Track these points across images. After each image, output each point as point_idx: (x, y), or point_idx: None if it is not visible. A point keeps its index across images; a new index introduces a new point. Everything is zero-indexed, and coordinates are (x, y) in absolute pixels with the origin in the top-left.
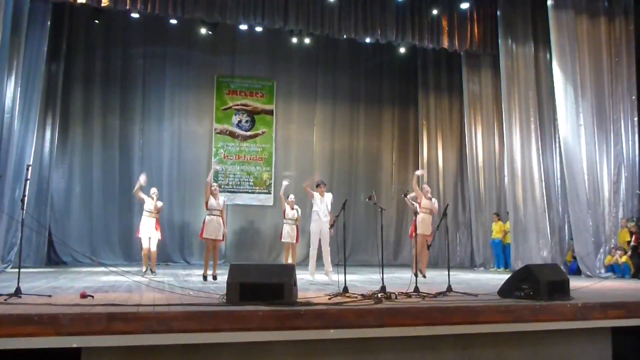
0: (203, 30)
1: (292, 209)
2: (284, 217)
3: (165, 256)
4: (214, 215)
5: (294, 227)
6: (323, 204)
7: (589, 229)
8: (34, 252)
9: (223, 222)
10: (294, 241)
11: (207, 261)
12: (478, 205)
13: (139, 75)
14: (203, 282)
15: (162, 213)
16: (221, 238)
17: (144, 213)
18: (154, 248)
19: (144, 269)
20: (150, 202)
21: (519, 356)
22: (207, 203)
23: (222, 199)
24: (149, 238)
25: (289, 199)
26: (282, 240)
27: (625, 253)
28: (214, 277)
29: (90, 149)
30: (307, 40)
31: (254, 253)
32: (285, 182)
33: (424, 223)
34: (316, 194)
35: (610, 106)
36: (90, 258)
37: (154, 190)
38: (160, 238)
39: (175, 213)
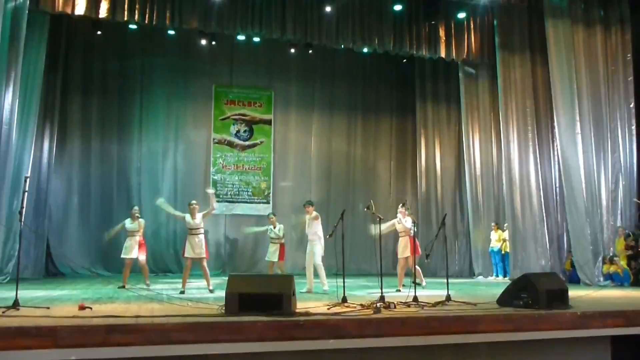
0: (201, 41)
1: (275, 227)
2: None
3: (163, 267)
4: (193, 234)
5: (277, 245)
6: (308, 225)
7: (587, 237)
8: (32, 263)
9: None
10: (276, 259)
11: (184, 278)
12: (476, 214)
13: (136, 85)
14: (201, 294)
15: (145, 230)
16: (204, 256)
17: (127, 233)
18: (142, 259)
19: (123, 284)
20: (130, 222)
21: None
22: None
23: (199, 216)
24: (132, 259)
25: (270, 217)
26: (266, 259)
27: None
28: (210, 291)
29: (88, 159)
30: (304, 50)
31: (252, 263)
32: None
33: (405, 246)
34: (307, 216)
35: (607, 114)
36: (89, 269)
37: (136, 208)
38: (145, 257)
39: (172, 223)
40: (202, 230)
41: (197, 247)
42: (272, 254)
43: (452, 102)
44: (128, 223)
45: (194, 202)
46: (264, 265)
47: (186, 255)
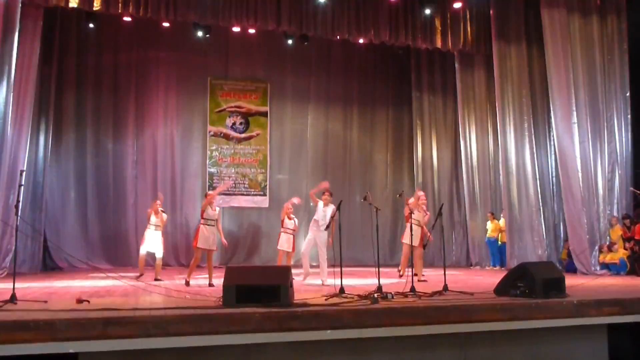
0: (196, 33)
1: (290, 218)
2: (282, 226)
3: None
4: (209, 225)
5: (291, 236)
6: (324, 213)
7: (583, 226)
8: (29, 257)
9: (220, 232)
10: (290, 250)
11: (192, 269)
12: (473, 204)
13: (131, 78)
14: (198, 286)
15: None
16: (215, 248)
17: (150, 226)
18: (159, 256)
19: (139, 274)
20: (155, 217)
21: (515, 354)
22: (203, 212)
23: (218, 208)
24: (147, 251)
25: (288, 208)
26: (279, 247)
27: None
28: (210, 285)
29: (84, 153)
30: (300, 42)
31: (250, 255)
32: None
33: (415, 235)
34: (320, 203)
35: (603, 104)
36: (86, 263)
37: (158, 202)
38: (163, 253)
39: (169, 216)
40: (214, 222)
41: (210, 239)
42: (287, 243)
43: (449, 92)
44: (153, 217)
45: (211, 192)
46: (261, 256)
47: (199, 245)
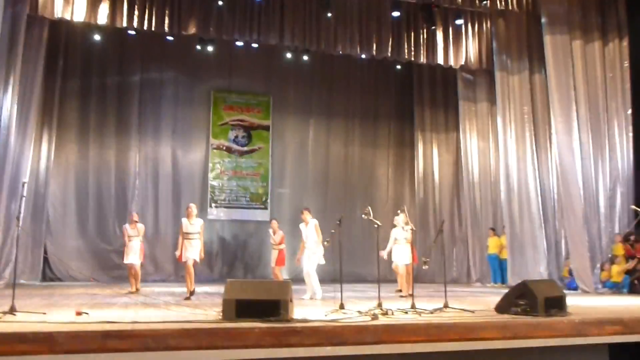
0: (199, 47)
1: (275, 233)
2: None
3: (160, 272)
4: (189, 238)
5: (276, 251)
6: (305, 232)
7: (585, 243)
8: (29, 268)
9: (201, 244)
10: (273, 264)
11: (187, 282)
12: (474, 220)
13: (135, 91)
14: (198, 300)
15: (146, 235)
16: (196, 259)
17: (127, 238)
18: (137, 264)
19: (131, 289)
20: (132, 229)
21: None
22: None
23: (199, 221)
24: (133, 264)
25: (272, 224)
26: (271, 265)
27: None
28: (191, 293)
29: (86, 165)
30: (303, 56)
31: (250, 269)
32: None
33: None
34: (302, 224)
35: (605, 121)
36: (86, 274)
37: (134, 214)
38: (142, 261)
39: (170, 229)
40: (197, 235)
41: (189, 251)
42: (271, 258)
43: (450, 108)
44: (128, 229)
45: (192, 205)
46: (261, 270)
47: (183, 259)
